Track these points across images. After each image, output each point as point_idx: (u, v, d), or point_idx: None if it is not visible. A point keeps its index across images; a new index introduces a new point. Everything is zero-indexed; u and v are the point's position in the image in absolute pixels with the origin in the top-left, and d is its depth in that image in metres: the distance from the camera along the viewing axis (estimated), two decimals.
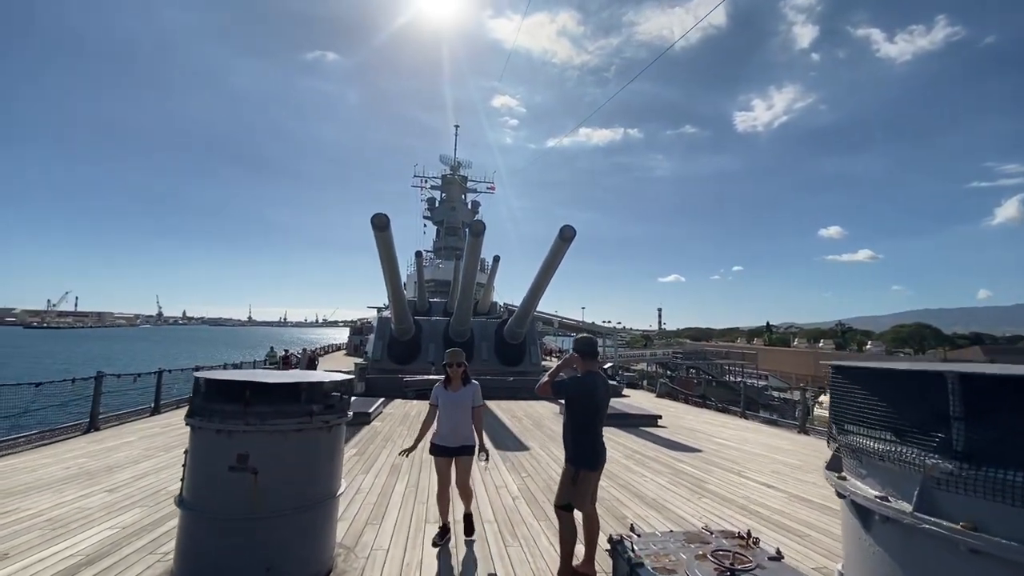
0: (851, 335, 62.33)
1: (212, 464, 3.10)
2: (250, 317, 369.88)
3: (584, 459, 3.44)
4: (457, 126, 56.61)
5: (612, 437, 3.98)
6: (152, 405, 11.37)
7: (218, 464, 3.05)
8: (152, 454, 7.23)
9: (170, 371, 12.50)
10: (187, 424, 3.20)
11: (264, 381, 3.14)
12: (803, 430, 11.17)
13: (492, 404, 14.35)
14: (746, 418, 13.46)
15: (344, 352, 36.15)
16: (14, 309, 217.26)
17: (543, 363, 24.82)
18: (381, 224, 14.78)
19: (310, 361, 24.13)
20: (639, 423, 10.92)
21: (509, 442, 8.90)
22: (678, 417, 12.86)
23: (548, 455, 7.81)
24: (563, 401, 3.63)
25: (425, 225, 53.44)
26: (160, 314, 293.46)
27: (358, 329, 41.55)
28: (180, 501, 3.17)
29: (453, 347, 4.59)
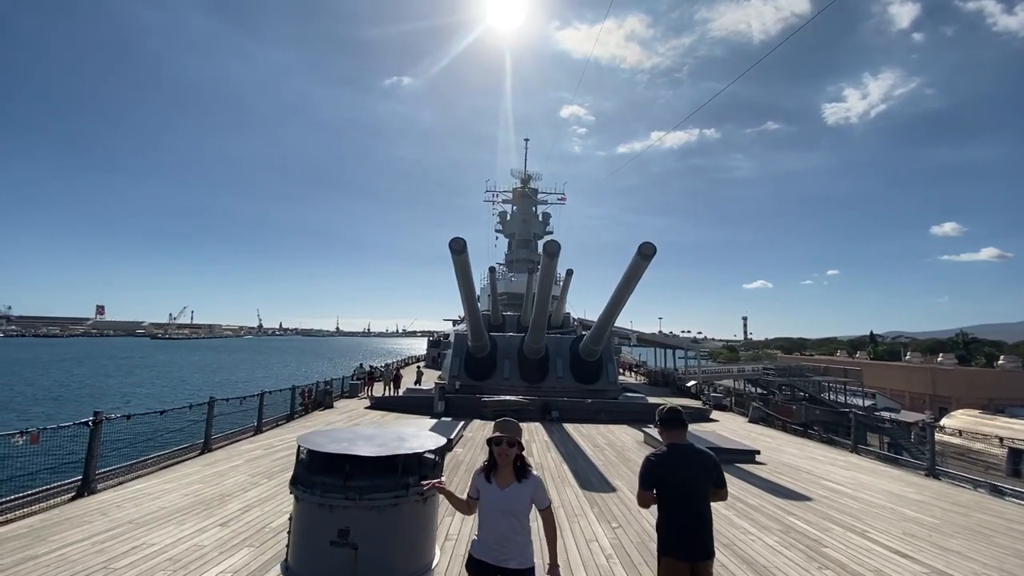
0: (977, 347, 54.67)
1: (314, 536, 3.13)
2: (338, 328, 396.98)
3: (662, 543, 3.05)
4: (527, 139, 57.30)
5: None
6: (255, 424, 12.39)
7: (320, 537, 3.08)
8: (257, 481, 7.69)
9: (270, 392, 13.56)
10: (291, 493, 3.28)
11: (363, 455, 3.14)
12: (932, 473, 9.77)
13: (570, 427, 13.98)
14: (858, 453, 12.07)
15: (423, 364, 37.37)
16: (143, 322, 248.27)
17: (620, 380, 24.08)
18: (459, 248, 15.17)
19: (395, 377, 25.07)
20: (735, 459, 9.99)
21: (594, 479, 8.53)
22: (778, 450, 11.77)
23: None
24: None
25: (496, 238, 54.28)
26: (260, 326, 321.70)
27: (435, 342, 42.86)
28: (286, 568, 3.24)
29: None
